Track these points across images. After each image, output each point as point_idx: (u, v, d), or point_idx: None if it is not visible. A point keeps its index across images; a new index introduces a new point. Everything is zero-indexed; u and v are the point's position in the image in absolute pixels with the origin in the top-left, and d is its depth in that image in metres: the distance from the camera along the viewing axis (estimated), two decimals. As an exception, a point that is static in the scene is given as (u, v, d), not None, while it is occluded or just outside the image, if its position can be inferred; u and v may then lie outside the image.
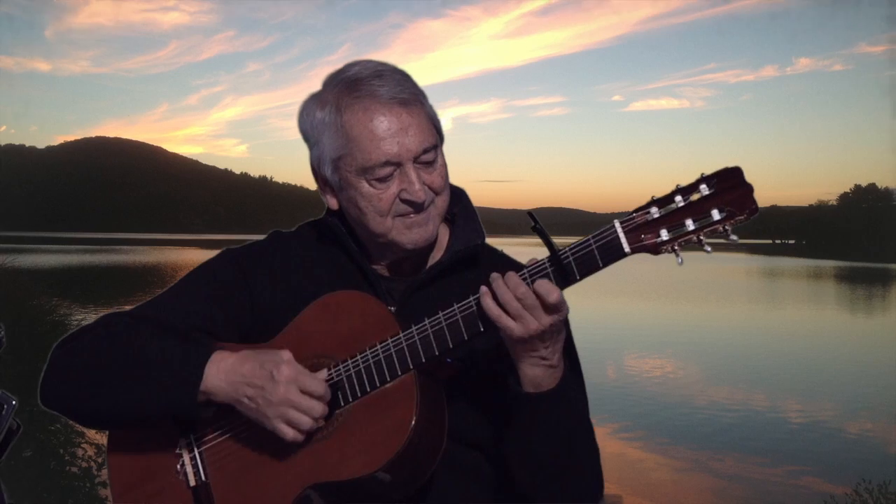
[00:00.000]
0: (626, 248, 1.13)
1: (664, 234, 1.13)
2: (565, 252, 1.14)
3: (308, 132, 1.35)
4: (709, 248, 1.13)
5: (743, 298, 39.24)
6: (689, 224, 1.12)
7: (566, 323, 1.20)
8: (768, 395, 14.84)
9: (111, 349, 1.30)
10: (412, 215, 1.30)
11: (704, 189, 1.12)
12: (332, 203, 1.37)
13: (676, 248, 1.13)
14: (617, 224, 1.13)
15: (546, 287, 1.12)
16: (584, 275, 1.13)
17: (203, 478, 1.29)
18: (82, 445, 6.14)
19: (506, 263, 1.32)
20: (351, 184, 1.30)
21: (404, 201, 1.29)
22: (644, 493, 9.09)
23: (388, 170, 1.28)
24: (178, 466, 1.31)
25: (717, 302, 36.06)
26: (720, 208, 1.10)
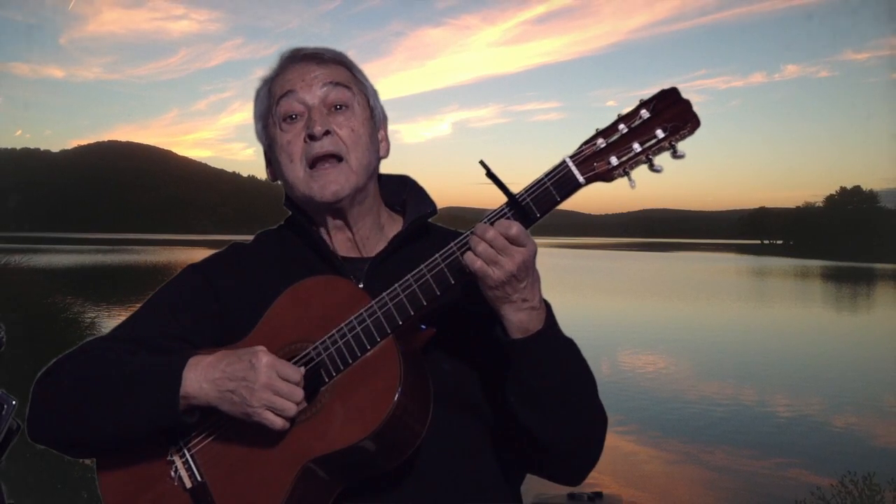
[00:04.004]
0: (581, 179, 1.15)
1: (613, 161, 1.15)
2: (522, 195, 1.17)
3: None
4: (659, 168, 1.16)
5: (733, 297, 39.41)
6: (636, 147, 1.15)
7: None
8: (757, 390, 15.02)
9: (90, 373, 1.29)
10: (319, 166, 1.32)
11: (645, 114, 1.15)
12: (270, 173, 1.42)
13: (627, 170, 1.16)
14: (567, 159, 1.16)
15: (504, 224, 1.15)
16: (543, 212, 1.17)
17: (199, 478, 1.27)
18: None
19: (453, 234, 1.36)
20: (273, 137, 1.36)
21: (306, 139, 1.32)
22: (637, 484, 9.27)
23: (291, 105, 1.33)
24: (172, 472, 1.29)
25: (708, 300, 36.28)
26: (663, 127, 1.13)
